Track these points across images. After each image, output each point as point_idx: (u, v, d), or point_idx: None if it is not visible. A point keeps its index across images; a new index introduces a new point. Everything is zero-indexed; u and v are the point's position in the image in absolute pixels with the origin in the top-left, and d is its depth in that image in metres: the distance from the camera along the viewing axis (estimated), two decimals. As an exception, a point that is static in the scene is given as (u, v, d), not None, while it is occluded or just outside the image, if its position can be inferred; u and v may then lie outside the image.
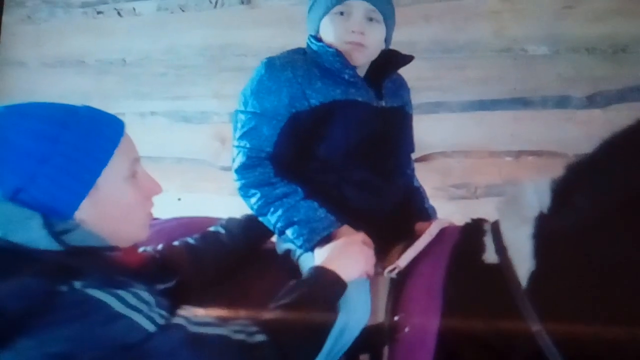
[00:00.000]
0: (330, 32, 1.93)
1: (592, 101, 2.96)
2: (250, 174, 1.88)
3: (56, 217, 1.35)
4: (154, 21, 3.83)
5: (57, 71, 3.99)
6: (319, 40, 1.95)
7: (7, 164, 1.35)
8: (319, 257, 1.77)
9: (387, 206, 1.98)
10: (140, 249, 1.70)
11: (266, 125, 1.88)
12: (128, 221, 1.49)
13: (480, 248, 1.73)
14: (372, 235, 1.82)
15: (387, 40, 2.01)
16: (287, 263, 1.91)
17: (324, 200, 1.87)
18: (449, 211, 2.32)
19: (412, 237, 1.88)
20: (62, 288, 1.25)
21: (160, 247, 1.81)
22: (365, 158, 1.93)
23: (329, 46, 1.92)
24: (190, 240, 1.89)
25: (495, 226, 1.76)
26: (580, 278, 1.55)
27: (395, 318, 1.70)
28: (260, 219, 1.92)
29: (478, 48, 3.12)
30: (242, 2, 3.62)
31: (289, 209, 1.85)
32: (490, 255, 1.70)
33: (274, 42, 3.16)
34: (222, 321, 1.42)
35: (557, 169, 1.66)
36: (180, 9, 3.76)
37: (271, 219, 1.88)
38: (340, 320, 1.63)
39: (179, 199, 3.57)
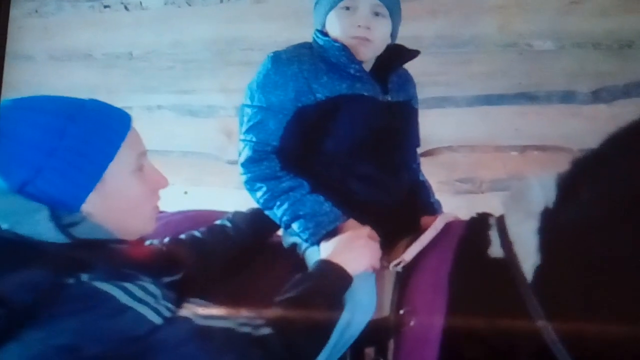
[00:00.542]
0: (336, 27, 1.93)
1: (598, 96, 2.95)
2: (256, 167, 1.88)
3: (63, 209, 1.36)
4: (161, 15, 3.83)
5: (64, 65, 3.99)
6: (325, 34, 1.96)
7: (14, 157, 1.36)
8: (325, 250, 1.77)
9: (392, 200, 1.98)
10: (147, 242, 1.70)
11: (272, 119, 1.88)
12: (135, 214, 1.50)
13: (486, 242, 1.73)
14: (377, 229, 1.83)
15: (393, 35, 2.00)
16: (293, 257, 1.91)
17: (329, 194, 1.87)
18: (454, 205, 2.31)
19: (418, 231, 1.88)
20: (69, 280, 1.26)
21: (166, 240, 1.82)
22: (371, 152, 1.94)
23: (335, 41, 1.92)
24: (197, 234, 1.89)
25: (501, 220, 1.76)
26: (585, 272, 1.55)
27: (401, 312, 1.70)
28: (266, 212, 1.92)
29: (483, 43, 3.11)
30: (248, -3, 3.62)
31: (295, 202, 1.85)
32: (495, 250, 1.70)
33: (280, 37, 3.16)
34: (228, 314, 1.43)
35: (563, 164, 1.66)
36: (187, 3, 3.76)
37: (277, 213, 1.88)
38: (346, 313, 1.63)
39: (186, 193, 3.57)
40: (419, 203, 2.10)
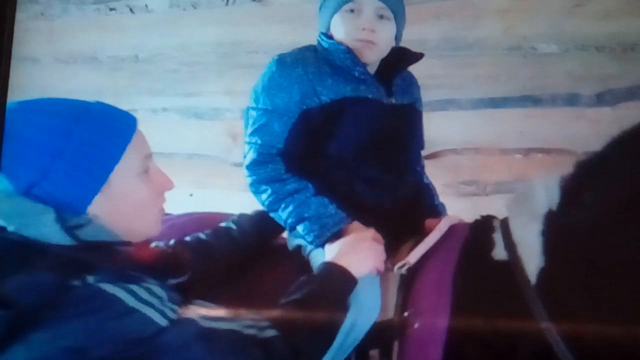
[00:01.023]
0: (340, 30, 1.94)
1: (602, 99, 2.95)
2: (261, 170, 1.89)
3: (69, 212, 1.36)
4: (166, 18, 3.83)
5: (70, 67, 3.99)
6: (330, 37, 1.96)
7: (20, 159, 1.37)
8: (330, 253, 1.77)
9: (397, 203, 1.98)
10: (152, 244, 1.71)
11: (277, 122, 1.89)
12: (140, 217, 1.50)
13: (490, 245, 1.73)
14: (382, 232, 1.83)
15: (398, 37, 2.01)
16: (298, 259, 1.92)
17: (334, 197, 1.88)
18: (458, 208, 2.31)
19: (422, 233, 1.88)
20: (75, 282, 1.27)
21: (172, 242, 1.82)
22: (376, 155, 1.94)
23: (340, 43, 1.92)
24: (202, 236, 1.90)
25: (505, 223, 1.76)
26: (589, 275, 1.55)
27: (405, 314, 1.71)
28: (271, 214, 1.93)
29: (488, 46, 3.11)
30: (254, 0, 3.62)
31: (299, 205, 1.86)
32: (499, 252, 1.70)
33: (285, 39, 3.16)
34: (233, 316, 1.44)
35: (567, 167, 1.66)
36: (192, 6, 3.76)
37: (282, 215, 1.89)
38: (351, 315, 1.64)
39: (191, 195, 3.56)
40: (423, 205, 2.10)
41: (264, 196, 1.90)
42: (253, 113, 1.92)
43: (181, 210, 2.15)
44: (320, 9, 2.01)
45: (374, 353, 1.71)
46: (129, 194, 1.46)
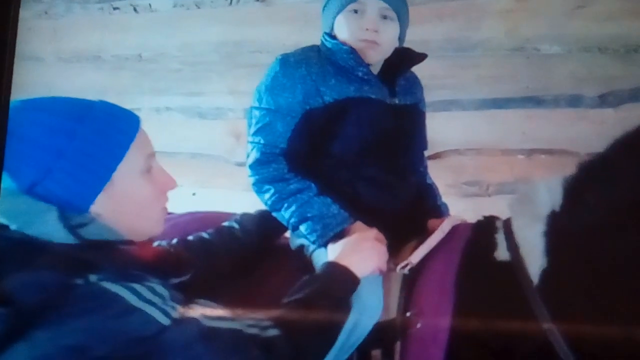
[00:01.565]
0: (344, 30, 1.94)
1: (604, 100, 2.95)
2: (264, 169, 1.89)
3: (72, 210, 1.36)
4: (170, 17, 3.83)
5: (73, 66, 4.00)
6: (334, 37, 1.96)
7: (23, 158, 1.37)
8: (332, 252, 1.78)
9: (400, 203, 1.98)
10: (155, 243, 1.71)
11: (280, 122, 1.89)
12: (143, 216, 1.50)
13: (492, 245, 1.73)
14: (384, 232, 1.83)
15: (401, 38, 2.01)
16: (301, 258, 1.92)
17: (337, 197, 1.88)
18: (461, 208, 2.31)
19: (425, 233, 1.88)
20: (78, 281, 1.27)
21: (174, 241, 1.83)
22: (379, 155, 1.94)
23: (343, 44, 1.93)
24: (205, 235, 1.90)
25: (507, 224, 1.76)
26: (591, 276, 1.55)
27: (408, 314, 1.71)
28: (274, 214, 1.93)
29: (491, 47, 3.11)
30: (257, 0, 3.63)
31: (302, 204, 1.86)
32: (502, 253, 1.71)
33: (288, 39, 3.16)
34: (236, 315, 1.44)
35: (569, 168, 1.67)
36: (196, 5, 3.76)
37: (285, 215, 1.89)
38: (353, 315, 1.64)
39: (194, 194, 3.57)
40: (426, 206, 2.10)
41: (267, 196, 1.90)
42: (256, 113, 1.92)
43: (184, 209, 2.15)
44: (323, 9, 2.01)
45: (376, 353, 1.72)
46: (132, 193, 1.46)
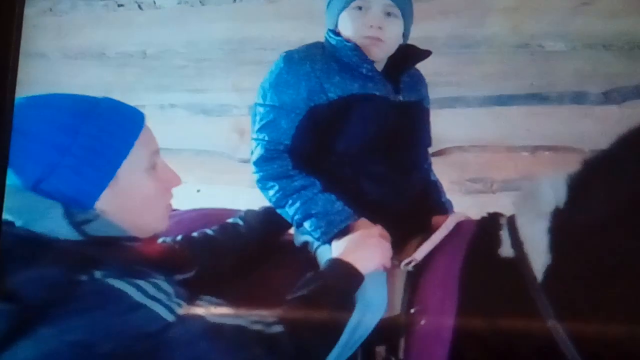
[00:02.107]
0: (348, 27, 1.94)
1: (609, 97, 2.94)
2: (268, 166, 1.89)
3: (77, 207, 1.37)
4: (174, 14, 3.83)
5: (78, 63, 3.99)
6: (338, 34, 1.96)
7: (28, 155, 1.37)
8: (336, 249, 1.78)
9: (404, 200, 1.98)
10: (160, 240, 1.71)
11: (284, 119, 1.89)
12: (148, 212, 1.51)
13: (496, 242, 1.73)
14: (389, 228, 1.83)
15: (405, 35, 2.01)
16: (305, 255, 1.92)
17: (341, 193, 1.88)
18: (465, 205, 2.31)
19: (429, 230, 1.89)
20: (83, 277, 1.27)
21: (179, 237, 1.83)
22: (383, 152, 1.94)
23: (348, 40, 1.92)
24: (209, 232, 1.90)
25: (511, 220, 1.76)
26: (595, 272, 1.55)
27: (412, 311, 1.71)
28: (278, 211, 1.93)
29: (495, 44, 3.10)
30: (262, -4, 3.63)
31: (306, 201, 1.86)
32: (506, 249, 1.71)
33: (293, 36, 3.15)
34: (240, 312, 1.44)
35: (573, 164, 1.67)
36: (200, 2, 3.76)
37: (289, 211, 1.89)
38: (357, 312, 1.64)
39: (198, 191, 3.57)
40: (430, 202, 2.10)
41: (271, 192, 1.90)
42: (260, 109, 1.92)
43: (188, 206, 2.15)
44: (328, 6, 2.01)
45: (381, 350, 1.72)
46: (137, 189, 1.46)
